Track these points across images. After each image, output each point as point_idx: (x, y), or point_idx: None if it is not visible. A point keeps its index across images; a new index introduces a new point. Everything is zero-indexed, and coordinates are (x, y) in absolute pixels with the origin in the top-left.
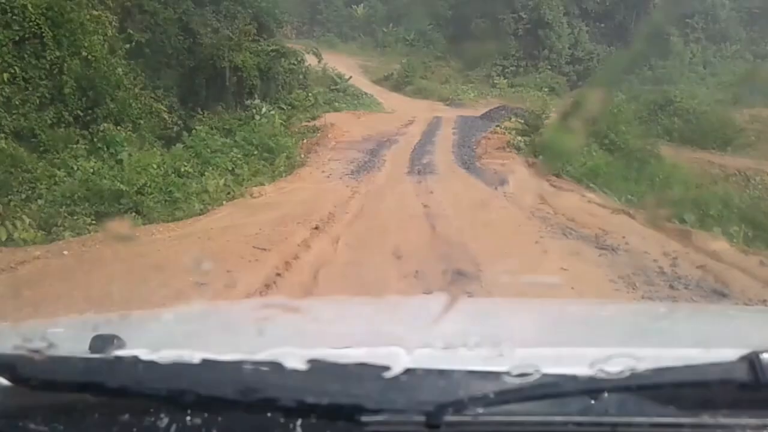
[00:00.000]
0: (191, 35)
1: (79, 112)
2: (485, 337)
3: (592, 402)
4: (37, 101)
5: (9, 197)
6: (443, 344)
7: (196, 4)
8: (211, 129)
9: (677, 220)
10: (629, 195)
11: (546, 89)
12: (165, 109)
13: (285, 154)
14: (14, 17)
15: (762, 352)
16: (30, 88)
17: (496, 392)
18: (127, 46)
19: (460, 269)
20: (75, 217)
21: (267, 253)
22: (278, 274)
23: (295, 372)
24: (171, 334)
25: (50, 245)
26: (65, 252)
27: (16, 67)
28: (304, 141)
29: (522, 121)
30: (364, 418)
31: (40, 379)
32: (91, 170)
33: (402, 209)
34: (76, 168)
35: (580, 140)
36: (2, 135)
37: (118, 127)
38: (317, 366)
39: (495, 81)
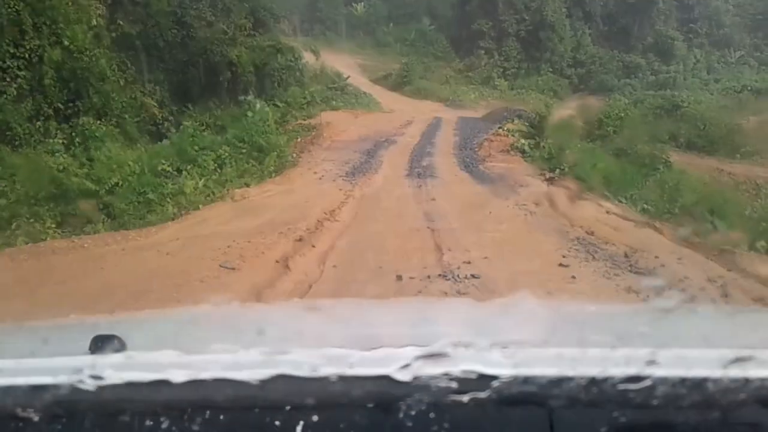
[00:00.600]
0: (184, 28)
1: (59, 104)
2: (486, 338)
3: (592, 400)
4: (15, 92)
5: None
6: (444, 345)
7: None
8: (200, 125)
9: (704, 234)
10: (644, 204)
11: (548, 92)
12: (155, 103)
13: (276, 153)
14: None
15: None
16: (7, 79)
17: (497, 388)
18: (114, 35)
19: None
20: (35, 220)
21: (234, 276)
22: None
23: (297, 370)
24: (171, 334)
25: None
26: None
27: None
28: (299, 140)
29: (526, 124)
30: (366, 416)
31: (41, 383)
32: (61, 167)
33: (401, 220)
34: (45, 164)
35: (587, 144)
36: None
37: (100, 122)
38: (317, 366)
39: (496, 83)
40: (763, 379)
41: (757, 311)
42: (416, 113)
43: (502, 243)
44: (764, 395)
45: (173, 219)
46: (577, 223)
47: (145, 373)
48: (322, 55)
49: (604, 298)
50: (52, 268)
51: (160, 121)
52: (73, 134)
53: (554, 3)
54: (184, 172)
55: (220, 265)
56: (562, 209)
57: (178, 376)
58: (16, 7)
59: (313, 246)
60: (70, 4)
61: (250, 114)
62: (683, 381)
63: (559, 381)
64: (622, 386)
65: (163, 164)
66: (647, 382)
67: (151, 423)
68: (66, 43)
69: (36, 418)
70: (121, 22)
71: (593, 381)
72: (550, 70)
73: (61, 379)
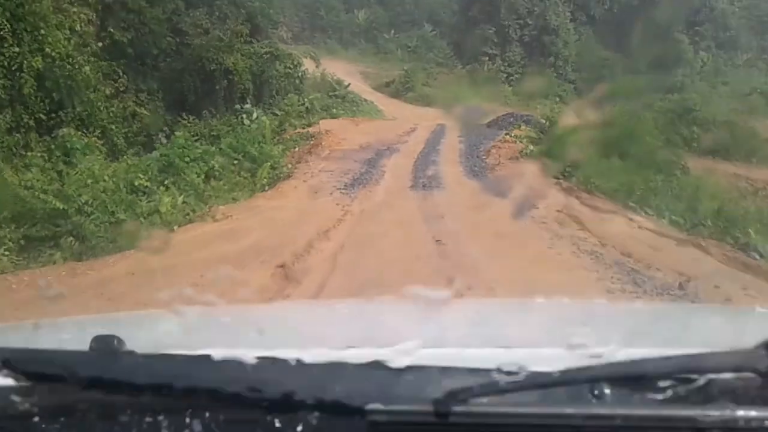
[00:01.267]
0: (179, 35)
1: (41, 115)
2: (487, 338)
3: (599, 393)
4: None
5: None
6: (446, 344)
7: (187, 4)
8: (193, 135)
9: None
10: (672, 215)
11: (553, 97)
12: (148, 113)
13: (269, 164)
14: None
15: None
16: None
17: (506, 381)
18: (104, 43)
19: None
20: None
21: None
22: None
23: (297, 369)
24: (171, 335)
25: None
26: None
27: None
28: (296, 149)
29: (534, 130)
30: (370, 411)
31: (42, 373)
32: (28, 183)
33: (406, 243)
34: (10, 180)
35: (600, 150)
36: None
37: (80, 133)
38: (320, 364)
39: (499, 88)
40: (762, 379)
41: (760, 312)
42: (419, 120)
43: (530, 274)
44: (766, 395)
45: (136, 242)
46: (609, 242)
47: (145, 373)
48: (323, 62)
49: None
50: None
51: (154, 132)
52: (53, 146)
53: (557, 7)
54: (161, 188)
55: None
56: (588, 225)
57: (178, 376)
58: None
59: (299, 282)
60: (52, 9)
61: (246, 122)
62: (683, 381)
63: (559, 381)
64: (620, 386)
65: (141, 179)
66: (647, 382)
67: (151, 423)
68: (48, 50)
69: (36, 418)
70: (111, 30)
71: (593, 381)
72: (555, 74)
73: (61, 375)
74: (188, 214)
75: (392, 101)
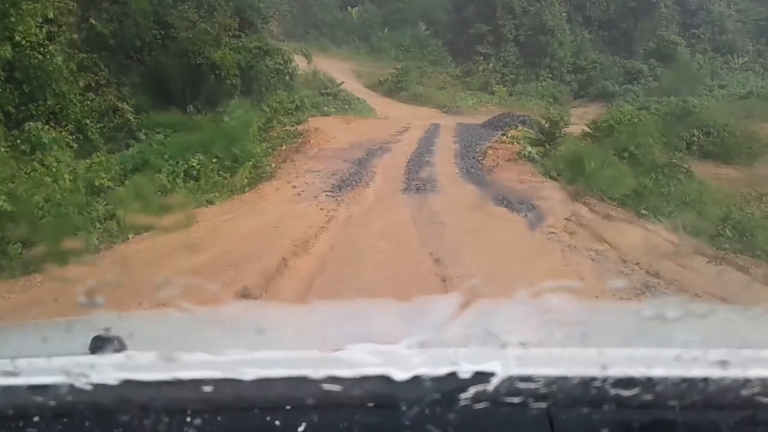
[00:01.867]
0: (165, 28)
1: (10, 108)
2: (485, 337)
3: (592, 400)
4: None
5: None
6: (445, 345)
7: None
8: (174, 131)
9: None
10: (688, 224)
11: (548, 98)
12: (130, 108)
13: (251, 163)
14: None
15: None
16: None
17: (497, 387)
18: (76, 36)
19: None
20: None
21: None
22: None
23: (297, 369)
24: (171, 334)
25: None
26: None
27: None
28: (283, 147)
29: (533, 131)
30: (370, 410)
31: (40, 383)
32: None
33: (398, 258)
34: None
35: (598, 152)
36: None
37: (51, 127)
38: (318, 366)
39: (494, 89)
40: (763, 379)
41: (758, 311)
42: (412, 119)
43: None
44: (765, 395)
45: (95, 252)
46: (631, 257)
47: (145, 373)
48: (316, 60)
49: None
50: None
51: (136, 128)
52: (19, 141)
53: (554, 7)
54: (123, 188)
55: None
56: (603, 236)
57: (178, 377)
58: None
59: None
60: None
61: (226, 119)
62: (683, 381)
63: (559, 381)
64: (622, 386)
65: (103, 178)
66: (647, 382)
67: (151, 423)
68: (18, 38)
69: (36, 418)
70: (92, 21)
71: (593, 381)
72: (550, 76)
73: (61, 379)
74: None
75: (385, 100)
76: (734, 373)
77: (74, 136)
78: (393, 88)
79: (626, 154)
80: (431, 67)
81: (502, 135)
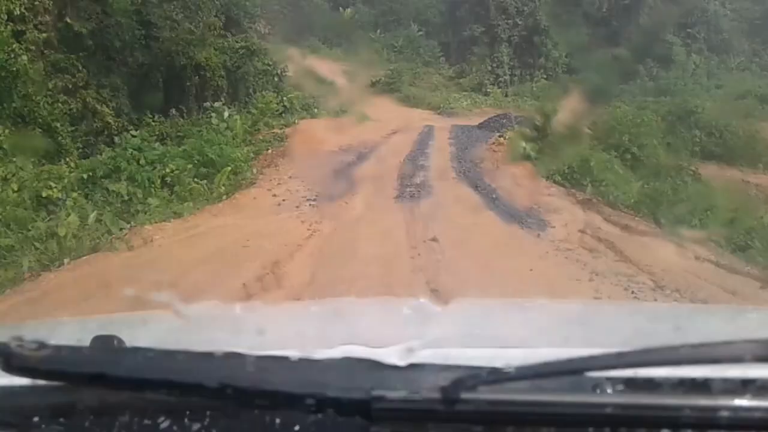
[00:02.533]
0: (147, 27)
1: None
2: (485, 338)
3: (608, 381)
4: None
5: None
6: (444, 344)
7: None
8: (157, 136)
9: None
10: (712, 236)
11: (543, 98)
12: (110, 111)
13: (230, 168)
14: None
15: None
16: None
17: (515, 368)
18: (45, 35)
19: None
20: None
21: None
22: None
23: (298, 367)
24: (171, 335)
25: None
26: None
27: None
28: (269, 151)
29: (530, 132)
30: (372, 407)
31: (41, 369)
32: None
33: (389, 286)
34: None
35: (601, 154)
36: None
37: (8, 132)
38: (320, 361)
39: (488, 89)
40: (765, 380)
41: (760, 312)
42: (405, 121)
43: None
44: (766, 396)
45: (22, 280)
46: (669, 283)
47: (145, 373)
48: (307, 61)
49: None
50: None
51: (116, 131)
52: None
53: (548, 7)
54: (70, 201)
55: None
56: (629, 254)
57: (178, 377)
58: None
59: None
60: None
61: (215, 122)
62: (684, 381)
63: (559, 382)
64: (622, 388)
65: (52, 188)
66: (647, 384)
67: (151, 423)
68: None
69: (35, 419)
70: (69, 20)
71: (593, 383)
72: (545, 76)
73: (62, 379)
74: (98, 239)
75: (377, 101)
76: (735, 373)
77: (42, 141)
78: (385, 90)
79: (629, 156)
80: (424, 68)
81: (500, 137)
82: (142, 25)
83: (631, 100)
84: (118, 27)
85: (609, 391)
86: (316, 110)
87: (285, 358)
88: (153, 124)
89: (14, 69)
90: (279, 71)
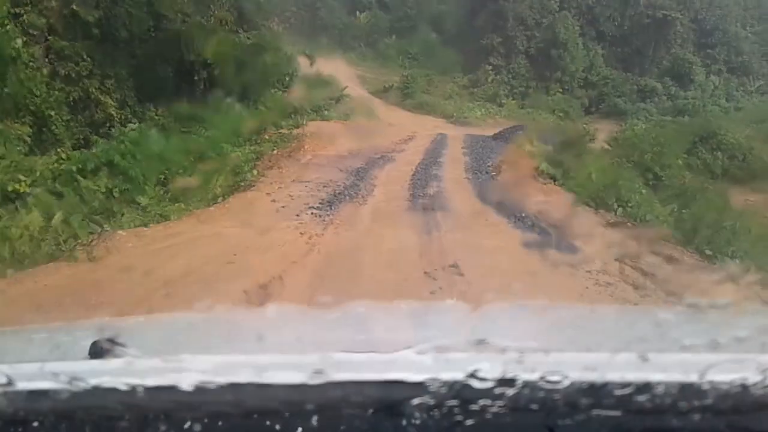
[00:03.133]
0: (156, 19)
1: None
2: (485, 343)
3: (592, 405)
4: None
5: None
6: (447, 349)
7: None
8: (151, 128)
9: None
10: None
11: (559, 113)
12: (113, 103)
13: (229, 168)
14: None
15: None
16: None
17: (498, 393)
18: (44, 20)
19: None
20: None
21: None
22: None
23: (296, 372)
24: (171, 339)
25: None
26: None
27: None
28: (274, 152)
29: (548, 145)
30: (366, 421)
31: (40, 388)
32: None
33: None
34: None
35: (624, 173)
36: None
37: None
38: (317, 369)
39: (502, 101)
40: (764, 384)
41: (760, 314)
42: (418, 128)
43: None
44: (765, 400)
45: None
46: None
47: (145, 378)
48: (320, 63)
49: None
50: None
51: (119, 123)
52: None
53: (567, 21)
54: (32, 199)
55: None
56: (683, 294)
57: (177, 382)
58: None
59: None
60: None
61: (220, 119)
62: (684, 385)
63: (559, 385)
64: (621, 391)
65: (20, 183)
66: (647, 387)
67: (151, 429)
68: None
69: (35, 424)
70: (74, 7)
71: (593, 386)
72: (560, 90)
73: (61, 384)
74: (60, 244)
75: (390, 107)
76: (735, 377)
77: (33, 130)
78: (398, 96)
79: (651, 176)
80: (439, 75)
81: (517, 149)
82: (152, 17)
83: (647, 118)
84: (127, 17)
85: (612, 401)
86: (326, 112)
87: (282, 364)
88: (157, 117)
89: (8, 55)
90: (291, 71)
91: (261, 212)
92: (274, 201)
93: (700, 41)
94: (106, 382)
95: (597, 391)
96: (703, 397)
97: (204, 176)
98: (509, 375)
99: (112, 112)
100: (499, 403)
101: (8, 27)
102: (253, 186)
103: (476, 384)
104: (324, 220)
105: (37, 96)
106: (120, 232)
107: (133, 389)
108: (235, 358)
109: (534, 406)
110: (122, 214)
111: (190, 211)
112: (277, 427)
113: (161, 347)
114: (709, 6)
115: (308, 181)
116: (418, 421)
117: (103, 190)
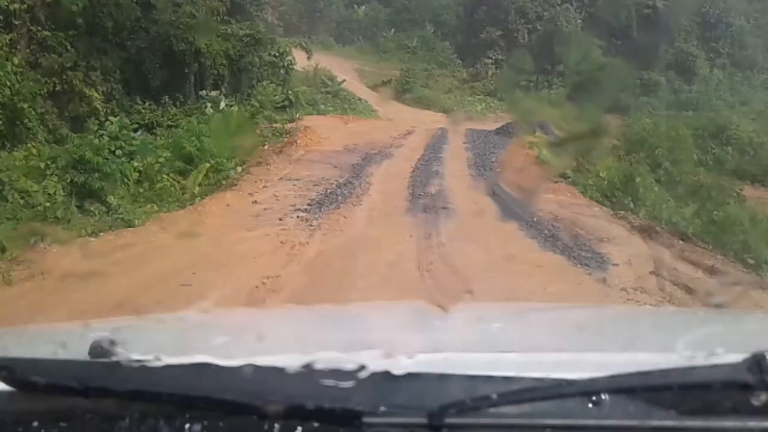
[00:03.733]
0: (145, 9)
1: None
2: (485, 342)
3: (592, 405)
4: None
5: None
6: (444, 349)
7: None
8: (136, 123)
9: None
10: None
11: (561, 106)
12: (99, 96)
13: (208, 165)
14: None
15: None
16: None
17: (498, 394)
18: (22, 5)
19: None
20: None
21: None
22: None
23: (295, 376)
24: (171, 340)
25: None
26: None
27: None
28: (264, 147)
29: (553, 139)
30: (366, 420)
31: (41, 383)
32: None
33: None
34: None
35: (636, 169)
36: None
37: None
38: (317, 371)
39: (503, 95)
40: (766, 384)
41: (760, 316)
42: (417, 123)
43: None
44: (752, 407)
45: None
46: None
47: (144, 378)
48: (317, 57)
49: None
50: None
51: (104, 117)
52: None
53: (569, 14)
54: None
55: None
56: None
57: (176, 383)
58: None
59: None
60: None
61: (209, 112)
62: (684, 386)
63: (559, 386)
64: (622, 388)
65: None
66: (649, 384)
67: (150, 428)
68: None
69: (35, 423)
70: None
71: (592, 382)
72: (563, 84)
73: (61, 384)
74: None
75: (388, 101)
76: (737, 377)
77: (5, 122)
78: (397, 90)
79: (662, 172)
80: (438, 69)
81: (521, 144)
82: (140, 6)
83: (651, 112)
84: (114, 6)
85: (596, 413)
86: (323, 106)
87: (281, 368)
88: (143, 111)
89: None
90: (286, 63)
91: (238, 216)
92: (255, 202)
93: (704, 34)
94: (106, 382)
95: (591, 388)
96: (705, 398)
97: (183, 173)
98: (508, 375)
99: (98, 106)
100: (497, 402)
101: None
102: (235, 185)
103: (474, 384)
104: (311, 225)
105: (7, 87)
106: (54, 247)
107: (133, 391)
108: (234, 359)
109: (528, 407)
110: (68, 221)
111: (158, 215)
112: (277, 426)
113: (162, 347)
114: None
115: (297, 179)
116: (415, 419)
117: (62, 191)
